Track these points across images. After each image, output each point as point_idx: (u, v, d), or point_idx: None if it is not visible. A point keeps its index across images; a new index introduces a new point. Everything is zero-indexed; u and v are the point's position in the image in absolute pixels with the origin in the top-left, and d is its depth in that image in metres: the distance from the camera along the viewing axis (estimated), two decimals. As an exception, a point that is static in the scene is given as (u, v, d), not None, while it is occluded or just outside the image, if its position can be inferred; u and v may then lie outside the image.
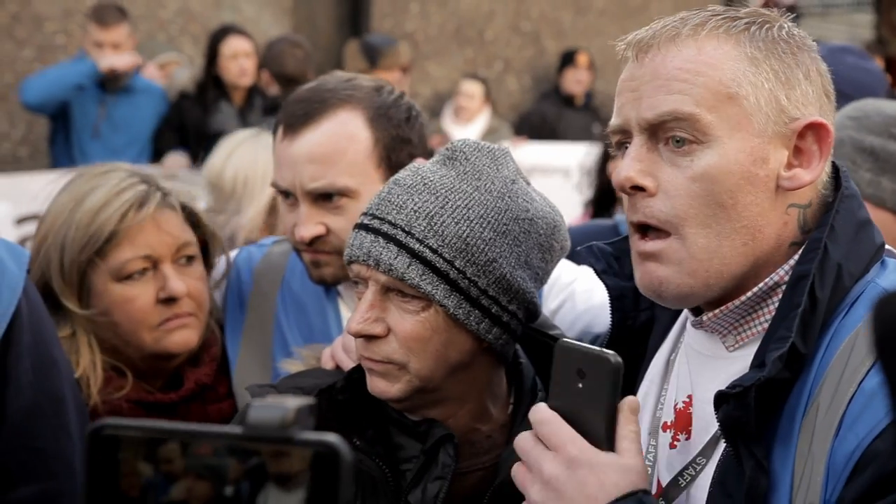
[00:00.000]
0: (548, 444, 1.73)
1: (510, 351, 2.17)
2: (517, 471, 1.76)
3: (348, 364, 2.29)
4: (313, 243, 2.65)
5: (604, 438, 1.70)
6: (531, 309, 2.14)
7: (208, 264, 2.84)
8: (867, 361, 1.64)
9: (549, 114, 10.68)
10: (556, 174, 8.72)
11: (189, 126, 8.35)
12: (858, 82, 3.95)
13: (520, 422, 2.16)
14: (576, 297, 2.74)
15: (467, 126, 10.12)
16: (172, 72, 9.09)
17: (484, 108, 10.33)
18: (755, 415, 1.67)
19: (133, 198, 2.63)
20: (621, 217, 4.18)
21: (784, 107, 1.78)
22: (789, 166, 1.79)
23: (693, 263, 1.76)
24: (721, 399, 1.70)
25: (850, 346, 1.68)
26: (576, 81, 10.94)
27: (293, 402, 1.07)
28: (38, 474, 2.14)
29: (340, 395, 2.15)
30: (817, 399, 1.67)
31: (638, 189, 1.78)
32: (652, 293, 1.82)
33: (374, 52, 8.07)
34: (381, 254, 2.03)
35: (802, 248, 1.77)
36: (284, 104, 2.76)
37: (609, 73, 11.54)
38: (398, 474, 2.10)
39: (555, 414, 1.74)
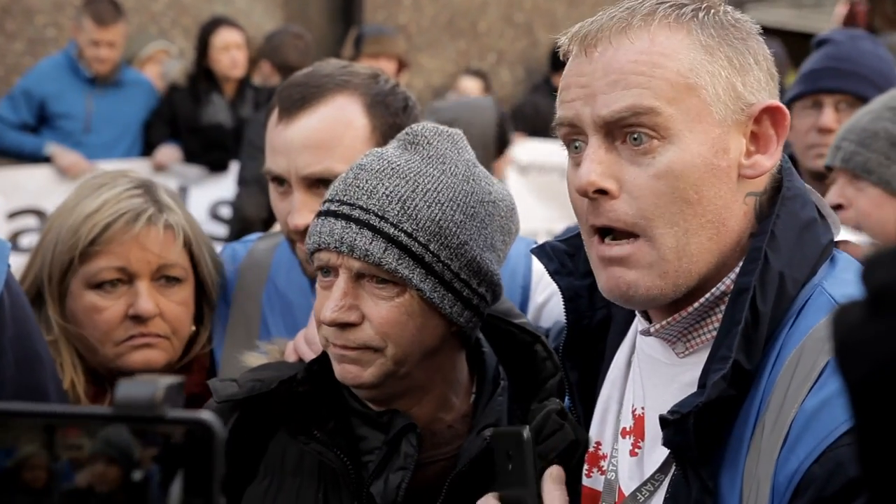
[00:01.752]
0: None
1: (475, 334, 2.16)
2: None
3: (310, 356, 2.26)
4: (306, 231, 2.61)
5: None
6: (496, 291, 2.14)
7: (204, 287, 2.77)
8: (810, 378, 1.59)
9: (542, 106, 10.65)
10: (553, 172, 8.70)
11: (180, 118, 8.31)
12: (874, 66, 3.97)
13: (481, 411, 2.14)
14: None
15: None
16: (163, 61, 9.06)
17: None
18: (697, 439, 1.62)
19: (124, 209, 2.59)
20: None
21: (740, 93, 1.73)
22: (748, 154, 1.74)
23: (663, 265, 1.70)
24: (664, 423, 1.66)
25: (794, 362, 1.62)
26: None
27: (163, 381, 1.05)
28: None
29: (301, 387, 2.13)
30: (763, 417, 1.63)
31: (601, 192, 1.71)
32: (619, 297, 1.76)
33: (361, 39, 8.04)
34: (354, 240, 2.00)
35: (744, 257, 1.71)
36: (279, 89, 2.71)
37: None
38: (360, 466, 2.08)
39: (492, 499, 1.80)
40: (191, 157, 8.28)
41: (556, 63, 10.92)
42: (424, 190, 2.04)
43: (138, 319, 2.59)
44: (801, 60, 4.33)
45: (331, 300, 2.02)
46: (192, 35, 9.08)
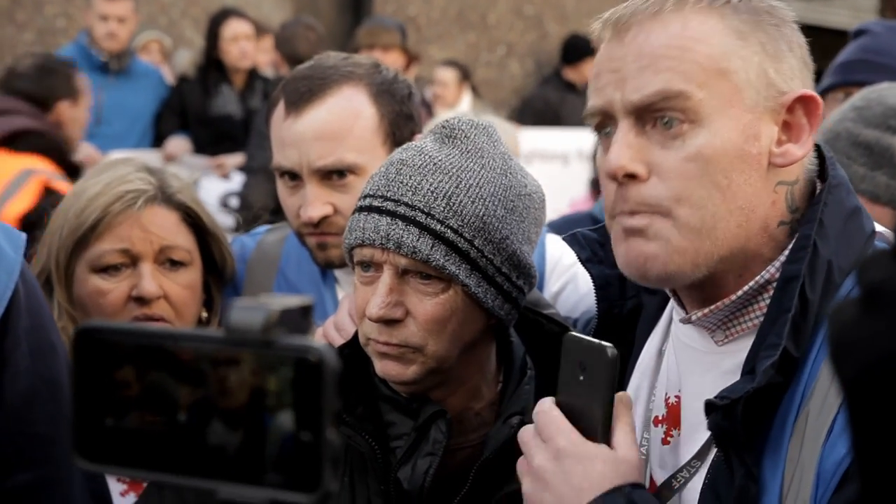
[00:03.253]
0: (542, 435, 1.71)
1: (512, 324, 2.17)
2: (519, 464, 1.75)
3: (339, 342, 2.26)
4: (320, 224, 2.61)
5: (600, 432, 1.69)
6: (532, 283, 2.15)
7: (216, 271, 2.76)
8: None
9: (551, 98, 10.63)
10: (555, 160, 8.69)
11: (190, 109, 8.32)
12: None
13: (508, 399, 2.15)
14: (578, 280, 2.71)
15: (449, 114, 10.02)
16: (158, 49, 9.08)
17: (463, 94, 10.21)
18: (744, 425, 1.63)
19: (126, 191, 2.58)
20: (600, 204, 4.14)
21: (773, 80, 1.71)
22: (780, 142, 1.73)
23: (683, 242, 1.69)
24: (710, 408, 1.65)
25: None
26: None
27: (279, 303, 1.02)
28: (35, 460, 2.12)
29: None
30: (808, 404, 1.63)
31: (630, 177, 1.71)
32: (635, 271, 1.75)
33: (357, 33, 8.05)
34: (401, 236, 2.00)
35: (791, 244, 1.71)
36: (284, 83, 2.71)
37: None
38: (388, 451, 2.09)
39: (553, 406, 1.73)
40: (200, 148, 8.29)
41: (567, 55, 10.90)
42: (467, 185, 2.04)
43: (142, 301, 2.58)
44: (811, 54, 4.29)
45: (377, 296, 2.01)
46: (202, 26, 9.09)
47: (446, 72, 10.15)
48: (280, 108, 2.66)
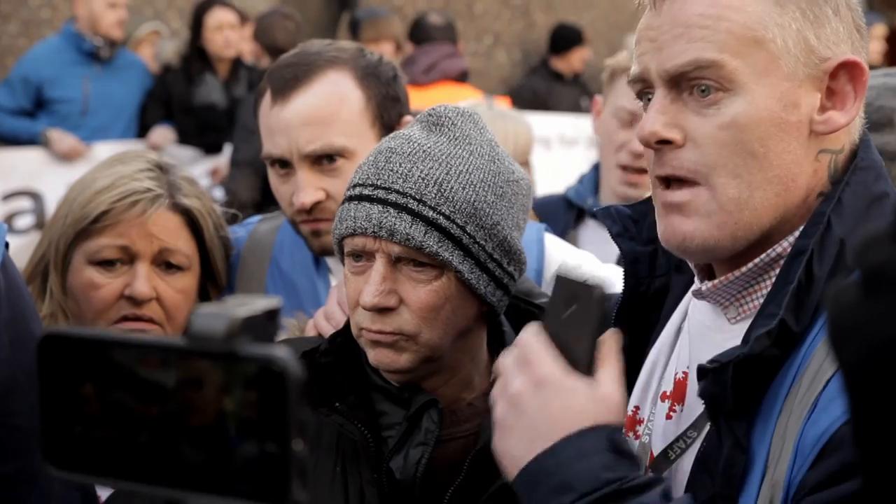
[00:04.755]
0: (523, 360, 1.69)
1: (503, 311, 2.17)
2: (494, 389, 1.73)
3: (330, 331, 2.26)
4: (313, 210, 2.61)
5: (584, 366, 1.66)
6: (522, 269, 2.15)
7: (214, 277, 2.75)
8: None
9: (539, 88, 10.63)
10: (538, 145, 8.68)
11: (174, 99, 8.30)
12: None
13: None
14: None
15: None
16: (155, 42, 9.05)
17: None
18: (733, 392, 1.61)
19: (134, 188, 2.58)
20: (575, 188, 4.13)
21: (814, 47, 1.69)
22: (822, 109, 1.70)
23: (722, 215, 1.68)
24: (701, 373, 1.64)
25: None
26: (582, 60, 10.79)
27: (242, 310, 0.98)
28: (15, 452, 2.10)
29: (324, 359, 2.13)
30: (800, 380, 1.61)
31: (664, 143, 1.71)
32: (675, 247, 1.74)
33: (357, 24, 8.02)
34: (394, 224, 1.99)
35: (807, 220, 1.69)
36: (269, 72, 2.72)
37: (599, 46, 11.49)
38: (380, 440, 2.09)
39: (540, 333, 1.70)
40: (184, 137, 8.26)
41: (554, 45, 10.89)
42: (458, 172, 2.04)
43: (133, 301, 2.58)
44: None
45: (370, 285, 2.01)
46: (187, 16, 9.06)
47: None
48: (267, 98, 2.66)
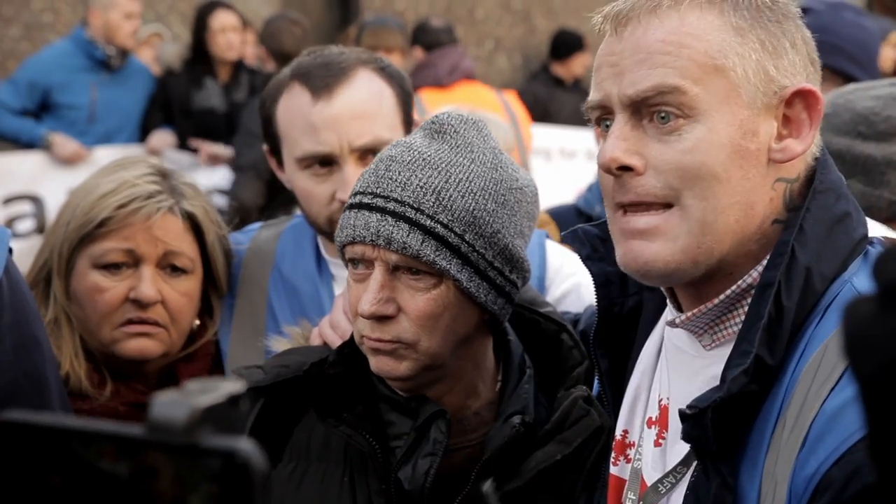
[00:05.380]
0: None
1: (505, 321, 2.17)
2: None
3: (336, 341, 2.27)
4: None
5: None
6: (526, 277, 2.15)
7: (215, 281, 2.76)
8: (831, 379, 1.57)
9: (540, 94, 10.63)
10: (538, 156, 8.69)
11: (174, 102, 8.30)
12: (856, 38, 3.85)
13: (507, 399, 2.15)
14: (581, 289, 2.70)
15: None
16: (156, 45, 9.05)
17: None
18: (715, 434, 1.61)
19: (138, 193, 2.59)
20: (584, 197, 4.12)
21: (773, 77, 1.70)
22: (779, 137, 1.72)
23: (687, 239, 1.68)
24: (683, 417, 1.65)
25: (818, 360, 1.60)
26: (583, 66, 10.80)
27: (205, 398, 0.92)
28: None
29: (332, 370, 2.14)
30: (785, 415, 1.61)
31: (625, 169, 1.70)
32: (636, 271, 1.74)
33: (362, 30, 8.04)
34: (391, 232, 2.00)
35: (770, 250, 1.70)
36: (299, 73, 2.71)
37: (600, 53, 11.48)
38: (388, 451, 2.09)
39: None
40: (184, 141, 8.26)
41: (555, 51, 10.90)
42: (457, 180, 2.04)
43: (138, 304, 2.59)
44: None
45: (368, 293, 2.01)
46: (189, 20, 9.07)
47: None
48: (301, 98, 2.66)
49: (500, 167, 2.10)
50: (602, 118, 1.78)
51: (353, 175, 2.58)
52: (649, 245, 1.70)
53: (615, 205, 1.75)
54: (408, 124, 2.69)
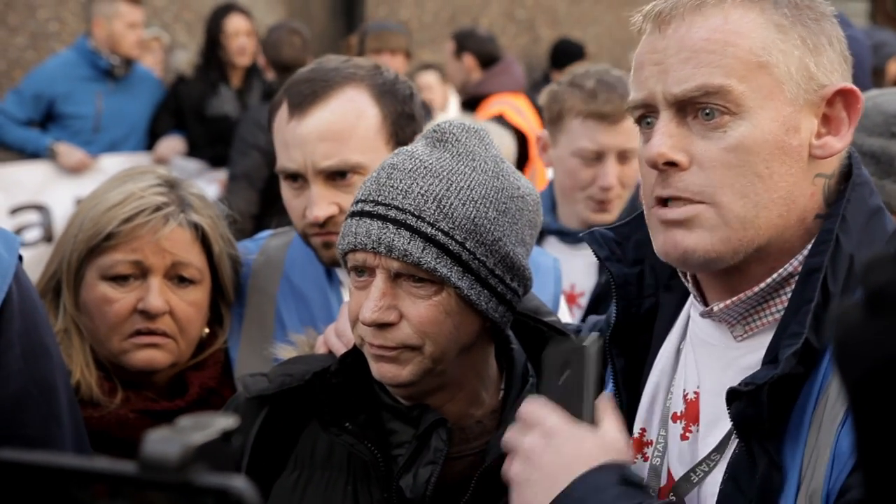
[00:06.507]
0: (530, 422, 1.75)
1: (507, 329, 2.18)
2: (505, 466, 1.78)
3: (341, 349, 2.28)
4: (325, 224, 2.63)
5: (587, 419, 1.74)
6: (527, 285, 2.16)
7: (223, 290, 2.78)
8: None
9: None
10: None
11: (187, 107, 8.29)
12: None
13: (510, 407, 2.16)
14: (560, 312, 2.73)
15: (442, 117, 9.99)
16: (157, 49, 9.06)
17: (449, 97, 10.15)
18: (768, 412, 1.65)
19: (145, 205, 2.61)
20: None
21: (813, 74, 1.74)
22: (819, 135, 1.75)
23: (727, 231, 1.72)
24: (733, 396, 1.68)
25: None
26: None
27: (199, 435, 0.91)
28: None
29: (335, 379, 2.15)
30: (827, 392, 1.65)
31: (670, 164, 1.74)
32: (676, 259, 1.78)
33: (365, 35, 8.04)
34: (392, 240, 2.01)
35: (814, 238, 1.74)
36: (286, 86, 2.73)
37: (604, 62, 11.50)
38: (390, 459, 2.10)
39: (540, 402, 1.78)
40: (195, 147, 8.25)
41: (555, 60, 10.90)
42: (458, 188, 2.05)
43: (147, 315, 2.61)
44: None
45: (369, 300, 2.03)
46: (195, 30, 9.09)
47: (427, 75, 10.12)
48: (283, 112, 2.68)
49: (502, 175, 2.11)
50: (644, 116, 1.81)
51: (319, 195, 2.60)
52: (689, 234, 1.74)
53: (654, 198, 1.78)
54: (401, 145, 2.61)
